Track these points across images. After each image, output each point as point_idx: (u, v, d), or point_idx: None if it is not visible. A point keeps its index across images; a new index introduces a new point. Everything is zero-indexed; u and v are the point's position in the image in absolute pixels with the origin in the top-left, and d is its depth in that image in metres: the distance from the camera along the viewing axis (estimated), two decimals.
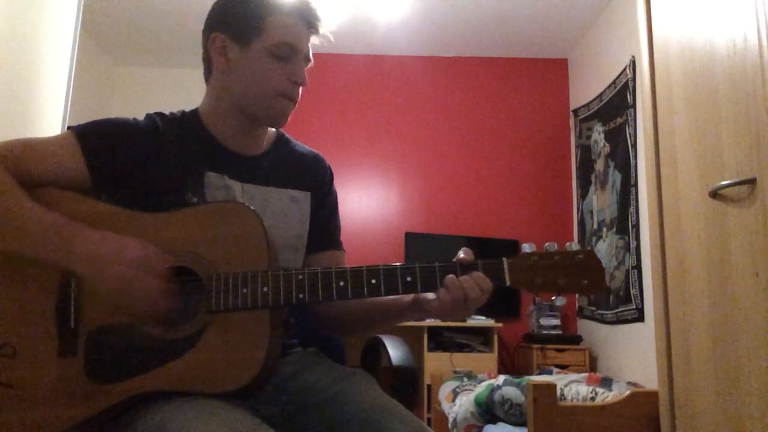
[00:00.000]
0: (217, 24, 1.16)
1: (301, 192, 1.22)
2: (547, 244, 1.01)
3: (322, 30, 1.18)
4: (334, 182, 1.31)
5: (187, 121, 1.18)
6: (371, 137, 4.58)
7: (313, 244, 1.22)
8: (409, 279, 0.98)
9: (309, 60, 1.18)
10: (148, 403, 0.92)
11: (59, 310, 0.97)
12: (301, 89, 1.17)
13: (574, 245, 1.00)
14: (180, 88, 4.78)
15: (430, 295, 1.02)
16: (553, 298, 1.00)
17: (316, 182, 1.25)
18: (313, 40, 1.18)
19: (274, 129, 1.27)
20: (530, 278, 0.98)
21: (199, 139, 1.16)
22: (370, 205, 4.48)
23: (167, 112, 1.19)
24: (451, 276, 0.98)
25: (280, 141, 1.27)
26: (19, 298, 0.98)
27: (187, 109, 1.22)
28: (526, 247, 1.01)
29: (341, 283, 0.97)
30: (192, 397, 0.91)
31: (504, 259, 0.99)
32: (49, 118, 2.16)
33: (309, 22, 1.15)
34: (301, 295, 0.97)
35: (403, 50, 4.57)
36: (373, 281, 0.97)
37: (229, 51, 1.14)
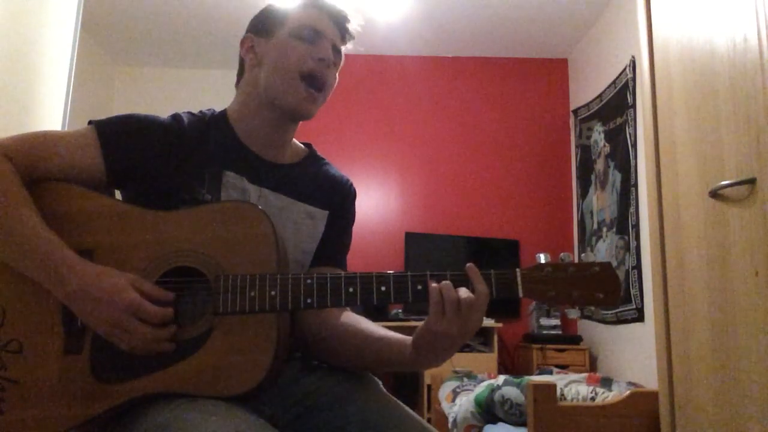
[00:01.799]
0: (247, 29, 1.21)
1: (318, 210, 1.20)
2: (562, 254, 0.99)
3: (350, 27, 1.20)
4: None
5: (214, 120, 1.18)
6: (371, 137, 4.58)
7: (315, 257, 1.20)
8: (419, 288, 0.95)
9: (338, 51, 1.18)
10: (151, 403, 0.92)
11: (65, 307, 0.97)
12: (330, 78, 1.15)
13: (591, 256, 0.99)
14: (180, 88, 4.79)
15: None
16: (566, 310, 0.99)
17: (335, 203, 1.23)
18: (348, 45, 1.22)
19: (304, 146, 1.26)
20: (544, 290, 0.96)
21: (224, 138, 1.15)
22: (370, 205, 4.48)
23: (197, 111, 1.18)
24: (433, 286, 0.92)
25: (311, 157, 1.25)
26: (25, 295, 0.98)
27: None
28: (541, 258, 0.98)
29: (350, 289, 0.96)
30: (195, 397, 0.91)
31: (517, 270, 0.97)
32: (49, 118, 2.16)
33: (333, 16, 1.18)
34: (309, 300, 0.95)
35: (404, 50, 4.57)
36: (383, 288, 0.96)
37: (257, 46, 1.17)
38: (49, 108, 2.18)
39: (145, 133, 1.09)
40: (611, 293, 0.96)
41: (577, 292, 0.96)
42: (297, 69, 1.12)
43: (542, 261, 0.98)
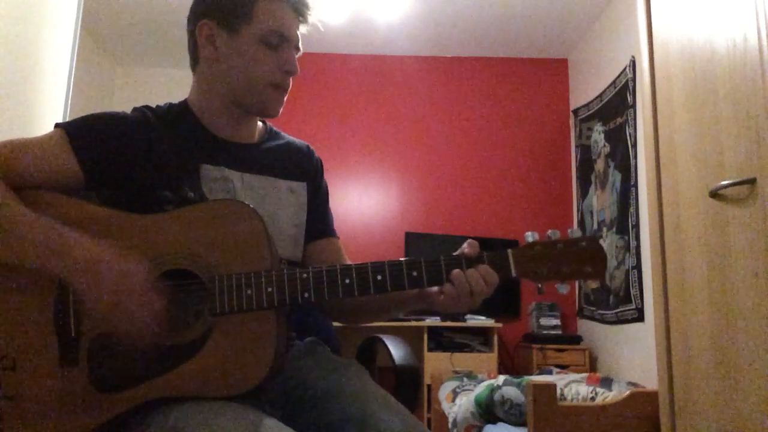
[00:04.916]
0: (204, 11, 1.13)
1: (297, 183, 1.22)
2: (549, 231, 1.01)
3: (311, 19, 1.16)
4: (325, 175, 1.32)
5: (178, 112, 1.16)
6: (371, 137, 4.58)
7: (309, 233, 1.22)
8: (415, 274, 0.97)
9: (299, 49, 1.16)
10: (157, 407, 0.91)
11: (57, 319, 0.95)
12: (291, 79, 1.15)
13: (577, 232, 1.00)
14: (180, 88, 4.75)
15: (435, 289, 1.02)
16: (556, 285, 1.00)
17: (309, 173, 1.26)
18: (302, 29, 1.17)
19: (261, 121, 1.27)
20: (535, 268, 0.99)
21: (192, 130, 1.14)
22: (370, 205, 4.48)
23: (154, 105, 1.16)
24: (456, 271, 0.98)
25: (271, 132, 1.26)
26: (14, 308, 0.96)
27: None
28: (529, 236, 1.01)
29: (347, 281, 0.96)
30: (202, 399, 0.90)
31: (509, 250, 0.99)
32: (49, 118, 2.16)
33: (298, 9, 1.14)
34: (306, 294, 0.96)
35: (403, 50, 4.57)
36: (379, 277, 0.97)
37: (218, 39, 1.11)
38: (49, 108, 2.18)
39: (114, 130, 1.08)
40: (598, 266, 0.99)
41: (566, 267, 0.99)
42: (265, 80, 1.12)
43: (530, 240, 1.01)
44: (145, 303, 0.91)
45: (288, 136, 1.29)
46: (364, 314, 1.23)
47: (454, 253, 1.01)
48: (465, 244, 1.01)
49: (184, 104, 1.18)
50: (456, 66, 4.67)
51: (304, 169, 1.25)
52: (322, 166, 1.31)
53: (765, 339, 1.46)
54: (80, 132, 1.06)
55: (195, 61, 1.17)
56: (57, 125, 1.07)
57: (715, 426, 1.64)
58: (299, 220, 1.20)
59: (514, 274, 0.99)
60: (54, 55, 2.21)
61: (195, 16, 1.14)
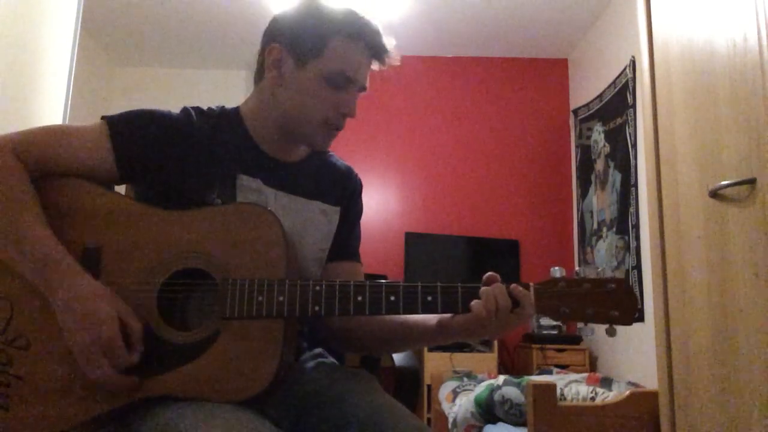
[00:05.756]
0: (278, 35, 1.12)
1: (330, 206, 1.20)
2: (577, 268, 0.97)
3: (387, 62, 1.14)
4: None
5: (226, 118, 1.15)
6: (371, 137, 4.57)
7: (331, 253, 1.20)
8: (429, 299, 0.94)
9: (364, 89, 1.14)
10: (155, 404, 0.92)
11: None
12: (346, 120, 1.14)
13: (608, 272, 0.96)
14: (180, 88, 4.78)
15: (458, 316, 0.97)
16: (579, 326, 0.96)
17: (346, 196, 1.25)
18: (374, 66, 1.14)
19: None
20: (557, 306, 0.94)
21: (237, 139, 1.14)
22: (370, 205, 4.45)
23: (205, 107, 1.16)
24: (484, 287, 0.94)
25: (316, 151, 1.24)
26: (34, 291, 0.97)
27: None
28: (556, 271, 0.97)
29: (359, 298, 0.95)
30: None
31: (531, 284, 0.95)
32: (49, 118, 2.16)
33: (376, 53, 1.12)
34: (317, 308, 0.95)
35: (403, 50, 4.54)
36: (392, 298, 0.95)
37: (284, 65, 1.10)
38: (49, 108, 2.18)
39: (155, 128, 1.08)
40: (627, 311, 0.93)
41: (591, 309, 0.93)
42: (319, 118, 1.10)
43: (557, 275, 0.96)
44: (116, 354, 0.91)
45: (333, 157, 1.27)
46: (375, 343, 1.16)
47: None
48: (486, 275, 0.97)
49: (236, 111, 1.17)
50: (456, 66, 4.67)
51: (341, 193, 1.23)
52: (360, 188, 1.29)
53: (765, 339, 1.46)
54: (121, 127, 1.07)
55: (259, 76, 1.16)
56: (103, 117, 1.08)
57: (715, 426, 1.64)
58: (326, 244, 1.19)
59: (534, 311, 0.94)
60: (54, 55, 2.21)
61: (268, 36, 1.13)
